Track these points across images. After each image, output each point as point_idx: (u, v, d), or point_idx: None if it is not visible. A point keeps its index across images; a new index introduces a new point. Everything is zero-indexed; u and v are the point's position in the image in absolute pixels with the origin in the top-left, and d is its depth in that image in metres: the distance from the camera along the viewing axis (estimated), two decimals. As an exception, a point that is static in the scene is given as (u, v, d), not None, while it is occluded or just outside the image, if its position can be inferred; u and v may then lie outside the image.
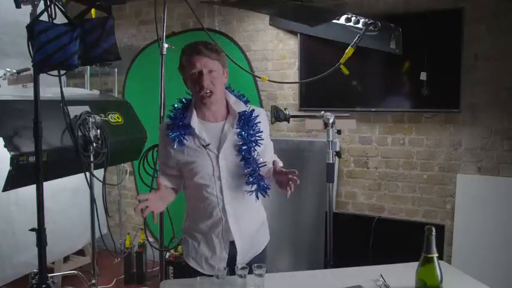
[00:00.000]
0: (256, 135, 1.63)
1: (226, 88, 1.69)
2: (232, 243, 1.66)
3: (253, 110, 1.67)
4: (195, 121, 1.60)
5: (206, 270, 1.67)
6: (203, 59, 1.54)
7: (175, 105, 1.68)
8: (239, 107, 1.65)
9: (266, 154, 1.71)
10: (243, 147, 1.59)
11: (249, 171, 1.59)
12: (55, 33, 1.71)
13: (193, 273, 1.66)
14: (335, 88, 3.18)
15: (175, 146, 1.60)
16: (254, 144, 1.62)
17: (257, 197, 1.61)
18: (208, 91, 1.54)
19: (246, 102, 1.69)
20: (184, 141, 1.59)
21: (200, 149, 1.59)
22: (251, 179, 1.59)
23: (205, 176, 1.60)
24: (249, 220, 1.71)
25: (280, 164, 1.71)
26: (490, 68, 2.81)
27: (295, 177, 1.46)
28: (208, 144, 1.59)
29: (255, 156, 1.61)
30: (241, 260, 1.65)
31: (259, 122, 1.66)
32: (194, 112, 1.62)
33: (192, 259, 1.73)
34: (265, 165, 1.65)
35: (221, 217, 1.63)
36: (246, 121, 1.63)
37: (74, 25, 1.77)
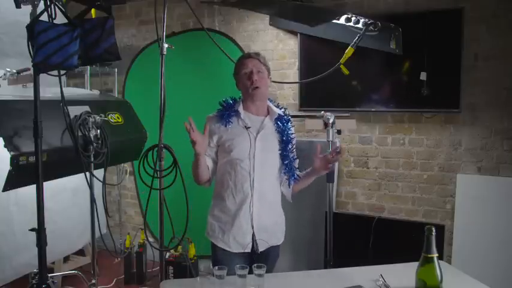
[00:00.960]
0: (290, 133, 2.01)
1: (270, 100, 2.07)
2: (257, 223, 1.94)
3: (288, 115, 2.06)
4: (241, 109, 1.96)
5: (233, 248, 1.92)
6: (253, 60, 1.95)
7: (225, 99, 2.01)
8: (278, 111, 2.02)
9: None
10: (283, 139, 1.98)
11: (286, 162, 1.97)
12: (55, 33, 1.71)
13: (221, 252, 1.94)
14: (335, 88, 3.18)
15: (220, 124, 1.93)
16: (290, 138, 1.99)
17: (289, 184, 2.02)
18: (256, 85, 1.91)
19: (282, 110, 2.06)
20: (230, 120, 1.93)
21: (242, 129, 1.93)
22: (286, 169, 1.99)
23: (242, 152, 1.90)
24: (269, 205, 1.97)
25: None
26: (490, 68, 2.81)
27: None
28: (250, 127, 1.93)
29: (290, 150, 1.99)
30: (259, 243, 1.92)
31: (293, 126, 2.07)
32: (241, 104, 1.98)
33: (220, 240, 1.96)
34: (297, 158, 2.04)
35: (249, 192, 1.90)
36: (283, 122, 2.00)
37: (74, 25, 1.77)
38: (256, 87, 1.91)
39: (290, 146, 2.00)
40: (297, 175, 2.04)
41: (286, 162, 1.98)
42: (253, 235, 1.92)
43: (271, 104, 2.04)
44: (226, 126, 1.93)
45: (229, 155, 1.92)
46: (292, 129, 2.04)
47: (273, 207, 2.01)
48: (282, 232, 2.09)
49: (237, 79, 2.01)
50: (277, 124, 1.99)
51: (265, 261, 1.67)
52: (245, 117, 1.95)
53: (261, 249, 1.94)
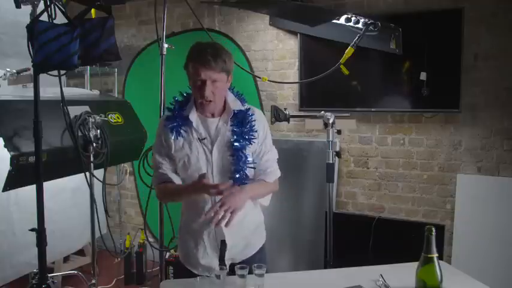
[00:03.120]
0: (250, 133, 1.64)
1: (231, 90, 1.72)
2: (224, 242, 1.65)
3: (249, 108, 1.69)
4: (193, 115, 1.63)
5: (201, 272, 1.68)
6: (209, 71, 1.54)
7: (176, 98, 1.71)
8: (235, 105, 1.67)
9: (263, 157, 1.70)
10: (235, 144, 1.61)
11: (235, 168, 1.61)
12: (55, 33, 1.71)
13: (189, 275, 1.68)
14: (335, 88, 3.18)
15: (172, 137, 1.63)
16: (248, 142, 1.63)
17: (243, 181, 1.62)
18: (208, 100, 1.57)
19: (243, 101, 1.71)
20: (182, 132, 1.63)
21: (196, 142, 1.63)
22: (237, 176, 1.61)
23: (199, 169, 1.61)
24: (242, 219, 1.65)
25: (268, 180, 1.70)
26: (490, 68, 2.81)
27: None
28: (204, 139, 1.62)
29: (246, 154, 1.63)
30: (231, 258, 1.66)
31: (255, 121, 1.66)
32: (194, 107, 1.65)
33: (186, 261, 1.75)
34: (254, 167, 1.66)
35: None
36: (240, 119, 1.65)
37: (74, 25, 1.77)
38: (207, 103, 1.58)
39: (247, 147, 1.63)
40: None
41: (236, 166, 1.61)
42: (221, 257, 1.63)
43: (229, 97, 1.68)
44: (178, 138, 1.63)
45: (185, 174, 1.65)
46: (256, 125, 1.66)
47: (245, 220, 1.69)
48: (262, 235, 1.84)
49: (188, 75, 1.65)
50: (232, 126, 1.63)
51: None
52: (198, 126, 1.63)
53: (237, 260, 1.67)
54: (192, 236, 1.71)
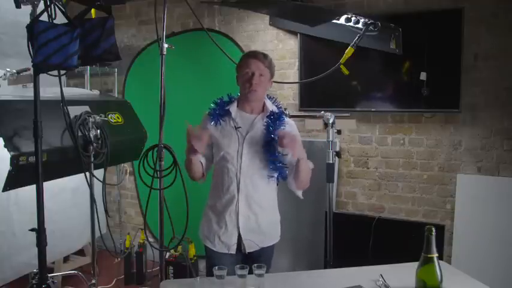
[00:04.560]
0: (279, 129, 1.89)
1: (269, 97, 2.04)
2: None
3: (283, 112, 1.99)
4: (233, 108, 1.94)
5: (218, 248, 1.93)
6: (257, 63, 1.90)
7: (222, 97, 2.01)
8: (272, 107, 1.97)
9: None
10: (269, 136, 1.88)
11: (272, 158, 1.89)
12: (55, 33, 1.71)
13: (208, 250, 1.97)
14: (335, 88, 3.18)
15: (212, 123, 1.93)
16: (277, 137, 1.84)
17: (277, 181, 1.95)
18: (254, 88, 1.88)
19: (280, 109, 2.00)
20: (221, 121, 1.93)
21: (232, 129, 1.91)
22: (272, 166, 1.90)
23: (231, 152, 1.89)
24: (259, 208, 1.93)
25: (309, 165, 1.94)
26: (490, 68, 2.81)
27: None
28: (240, 127, 1.91)
29: (276, 147, 1.87)
30: (248, 242, 1.91)
31: (287, 124, 1.95)
32: (235, 103, 1.96)
33: (206, 237, 1.98)
34: (287, 154, 1.89)
35: (235, 195, 1.89)
36: (274, 119, 1.92)
37: (73, 25, 1.77)
38: (252, 90, 1.88)
39: (272, 140, 1.89)
40: (285, 171, 1.95)
41: (272, 158, 1.90)
42: (239, 237, 1.92)
43: (268, 102, 2.00)
44: (216, 125, 1.94)
45: (219, 156, 1.93)
46: (288, 125, 1.95)
47: (263, 208, 1.97)
48: (277, 232, 2.08)
49: (237, 74, 1.98)
50: (267, 122, 1.92)
51: (257, 262, 1.64)
52: (236, 117, 1.93)
53: (249, 250, 1.94)
54: (216, 215, 1.95)
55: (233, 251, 1.92)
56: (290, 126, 1.97)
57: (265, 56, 1.94)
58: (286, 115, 2.03)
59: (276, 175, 1.94)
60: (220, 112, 1.94)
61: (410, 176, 3.11)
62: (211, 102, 2.01)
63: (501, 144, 2.84)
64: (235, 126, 1.91)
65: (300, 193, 2.03)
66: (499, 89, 2.81)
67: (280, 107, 2.03)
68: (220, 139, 1.92)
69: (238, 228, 1.91)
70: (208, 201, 2.03)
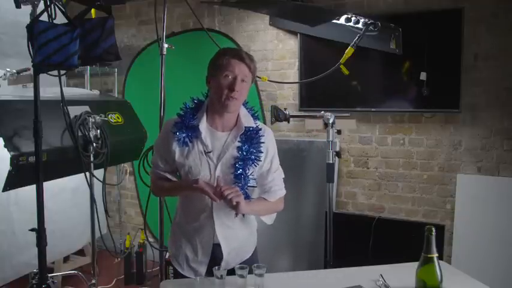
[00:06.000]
0: (256, 154, 1.60)
1: (245, 105, 1.70)
2: (217, 246, 1.64)
3: (260, 128, 1.64)
4: (203, 125, 1.58)
5: (186, 272, 1.69)
6: (243, 66, 1.55)
7: (187, 104, 1.65)
8: (247, 121, 1.63)
9: (268, 177, 1.67)
10: (239, 162, 1.58)
11: (235, 186, 1.55)
12: (55, 33, 1.71)
13: (176, 273, 1.71)
14: (335, 88, 3.18)
15: (177, 145, 1.58)
16: (251, 162, 1.59)
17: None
18: (235, 96, 1.53)
19: (255, 118, 1.68)
20: (188, 142, 1.58)
21: (201, 155, 1.58)
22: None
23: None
24: (236, 232, 1.68)
25: (269, 199, 1.67)
26: (490, 68, 2.81)
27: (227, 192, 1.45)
28: (210, 152, 1.58)
29: (248, 174, 1.59)
30: (225, 265, 1.62)
31: (263, 142, 1.63)
32: (205, 116, 1.60)
33: (175, 258, 1.73)
34: (255, 186, 1.63)
35: (206, 223, 1.62)
36: (250, 137, 1.61)
37: (74, 25, 1.77)
38: (234, 98, 1.54)
39: (250, 167, 1.59)
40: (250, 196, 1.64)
41: (237, 185, 1.56)
42: (214, 262, 1.63)
43: (241, 111, 1.64)
44: (182, 146, 1.58)
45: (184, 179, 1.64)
46: (264, 146, 1.62)
47: (241, 233, 1.70)
48: (253, 240, 1.81)
49: (211, 74, 1.60)
50: (241, 140, 1.60)
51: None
52: (206, 138, 1.58)
53: (229, 266, 1.63)
54: (184, 237, 1.69)
55: (201, 275, 1.63)
56: (267, 142, 1.65)
57: (250, 58, 1.60)
58: (258, 118, 1.71)
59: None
60: (188, 132, 1.58)
61: (410, 176, 3.11)
62: (176, 114, 1.65)
63: (501, 144, 2.84)
64: (204, 151, 1.57)
65: (266, 220, 1.73)
66: (499, 89, 2.81)
67: (256, 113, 1.71)
68: (186, 165, 1.59)
69: (209, 258, 1.65)
70: (176, 216, 1.76)
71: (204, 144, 1.58)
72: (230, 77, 1.54)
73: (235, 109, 1.58)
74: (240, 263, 1.61)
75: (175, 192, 1.73)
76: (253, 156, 1.59)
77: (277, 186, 1.69)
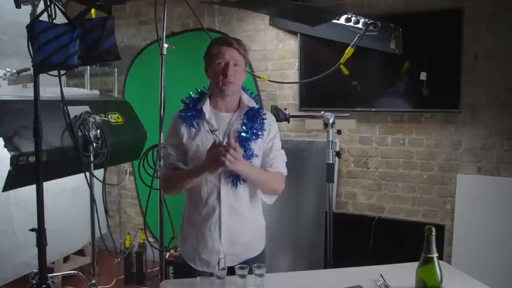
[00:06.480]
0: (259, 129, 1.70)
1: (244, 89, 1.79)
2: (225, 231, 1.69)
3: (262, 109, 1.76)
4: (207, 107, 1.70)
5: (199, 266, 1.72)
6: (232, 51, 1.65)
7: (191, 94, 1.77)
8: (250, 102, 1.74)
9: (270, 154, 1.74)
10: (242, 134, 1.67)
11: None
12: (55, 33, 1.71)
13: (190, 271, 1.72)
14: (335, 88, 3.18)
15: (184, 128, 1.69)
16: (255, 137, 1.68)
17: (233, 184, 1.66)
18: (229, 81, 1.64)
19: (256, 102, 1.78)
20: (194, 123, 1.69)
21: (207, 133, 1.68)
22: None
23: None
24: (242, 219, 1.72)
25: (274, 171, 1.73)
26: (490, 68, 2.81)
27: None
28: (216, 130, 1.67)
29: (252, 147, 1.67)
30: (230, 258, 1.66)
31: (265, 120, 1.73)
32: (208, 100, 1.72)
33: (186, 255, 1.78)
34: (257, 156, 1.69)
35: (215, 206, 1.67)
36: (253, 116, 1.70)
37: (74, 25, 1.77)
38: (229, 83, 1.64)
39: (253, 141, 1.68)
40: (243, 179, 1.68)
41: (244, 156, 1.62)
42: (220, 253, 1.67)
43: (244, 95, 1.76)
44: (190, 129, 1.69)
45: (193, 163, 1.70)
46: (267, 122, 1.73)
47: (247, 217, 1.74)
48: (262, 240, 1.85)
49: (207, 65, 1.72)
50: (244, 120, 1.70)
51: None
52: (211, 118, 1.69)
53: (229, 264, 1.62)
54: (194, 229, 1.73)
55: (213, 269, 1.58)
56: (269, 122, 1.75)
57: (239, 42, 1.69)
58: (258, 103, 1.82)
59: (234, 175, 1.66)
60: (192, 113, 1.70)
61: (410, 176, 3.11)
62: (181, 101, 1.77)
63: (501, 144, 2.84)
64: (210, 130, 1.67)
65: (267, 199, 1.78)
66: (499, 89, 2.81)
67: (256, 98, 1.82)
68: (194, 145, 1.68)
69: (220, 243, 1.68)
70: (184, 213, 1.82)
71: (209, 123, 1.68)
72: (222, 63, 1.65)
73: (233, 91, 1.69)
74: (245, 262, 1.66)
75: (186, 179, 1.69)
76: (255, 131, 1.69)
77: (278, 164, 1.76)
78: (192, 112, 1.70)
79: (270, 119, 1.77)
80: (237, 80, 1.67)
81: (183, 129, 1.69)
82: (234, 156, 1.48)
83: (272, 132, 1.76)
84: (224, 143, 1.52)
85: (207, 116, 1.68)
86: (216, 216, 1.68)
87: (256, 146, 1.69)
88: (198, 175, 1.61)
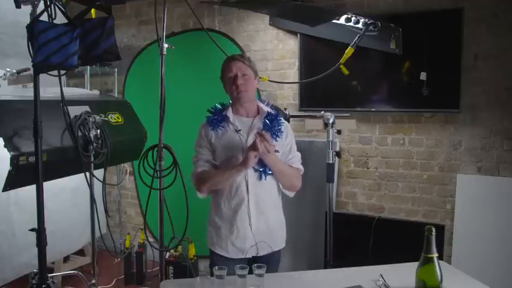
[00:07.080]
0: (278, 131, 1.93)
1: (261, 100, 2.08)
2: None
3: (279, 114, 2.01)
4: (230, 113, 1.95)
5: (232, 254, 1.92)
6: (237, 63, 1.91)
7: (216, 105, 2.01)
8: (267, 109, 1.99)
9: (288, 156, 1.99)
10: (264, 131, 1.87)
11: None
12: (55, 33, 1.71)
13: (220, 260, 1.91)
14: (335, 88, 3.18)
15: (212, 130, 1.92)
16: (274, 136, 1.91)
17: (260, 176, 1.90)
18: (241, 89, 1.88)
19: (272, 109, 2.03)
20: (220, 126, 1.93)
21: (233, 133, 1.91)
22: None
23: (236, 154, 1.88)
24: (268, 209, 1.94)
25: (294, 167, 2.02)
26: (490, 68, 2.81)
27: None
28: (240, 130, 1.91)
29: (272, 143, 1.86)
30: (259, 246, 1.88)
31: (283, 124, 1.97)
32: (230, 108, 1.97)
33: (218, 246, 1.96)
34: (278, 152, 1.88)
35: (244, 196, 1.88)
36: (271, 119, 1.94)
37: (74, 25, 1.77)
38: (241, 91, 1.89)
39: (272, 137, 1.88)
40: (270, 171, 1.92)
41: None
42: (252, 239, 1.90)
43: (261, 104, 2.03)
44: (217, 131, 1.93)
45: (222, 160, 1.92)
46: (284, 126, 1.98)
47: (272, 210, 1.98)
48: (283, 236, 2.07)
49: (223, 82, 1.99)
50: (265, 122, 1.94)
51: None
52: (235, 121, 1.94)
53: (262, 253, 1.91)
54: (224, 221, 1.93)
55: (249, 255, 1.90)
56: (286, 127, 2.00)
57: (243, 56, 2.01)
58: (281, 117, 2.04)
59: (261, 169, 1.90)
60: (218, 118, 1.94)
61: (410, 176, 3.11)
62: (206, 110, 2.00)
63: (501, 144, 2.84)
64: (235, 130, 1.91)
65: (288, 193, 2.04)
66: (499, 89, 2.81)
67: (274, 109, 2.05)
68: (223, 144, 1.92)
69: (251, 230, 1.89)
70: (212, 209, 2.01)
71: (234, 125, 1.93)
72: (232, 75, 1.90)
73: (248, 99, 1.94)
74: (268, 254, 1.92)
75: (225, 173, 1.88)
76: (275, 131, 1.92)
77: (296, 162, 2.03)
78: (218, 117, 1.94)
79: (286, 125, 2.01)
80: (248, 88, 1.90)
81: (211, 132, 1.93)
82: (267, 148, 1.73)
83: (290, 135, 2.01)
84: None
85: (231, 119, 1.93)
86: (245, 206, 1.89)
87: (276, 144, 1.89)
88: (239, 170, 1.82)
